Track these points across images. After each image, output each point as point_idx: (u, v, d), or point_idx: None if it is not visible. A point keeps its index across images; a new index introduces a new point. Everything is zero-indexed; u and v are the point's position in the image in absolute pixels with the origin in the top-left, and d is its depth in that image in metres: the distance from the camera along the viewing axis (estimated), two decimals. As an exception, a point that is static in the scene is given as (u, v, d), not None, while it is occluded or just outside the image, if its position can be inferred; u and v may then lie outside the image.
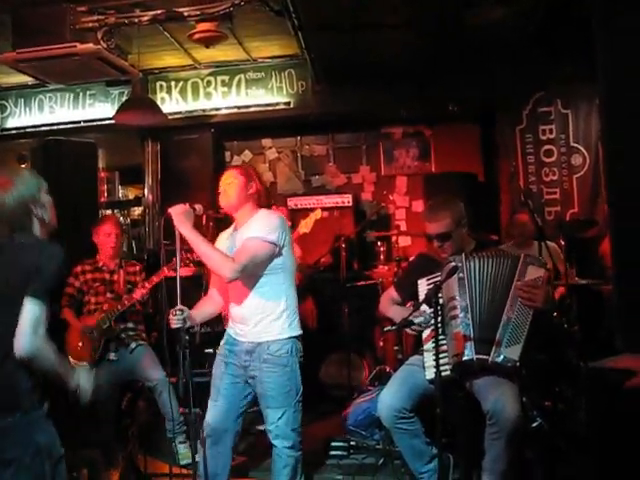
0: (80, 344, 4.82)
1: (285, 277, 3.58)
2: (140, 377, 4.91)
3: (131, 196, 9.93)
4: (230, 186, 3.61)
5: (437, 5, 5.13)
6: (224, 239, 3.71)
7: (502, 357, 3.34)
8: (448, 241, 3.75)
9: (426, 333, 3.60)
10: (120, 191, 9.55)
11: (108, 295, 4.92)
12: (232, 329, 3.70)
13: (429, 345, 3.56)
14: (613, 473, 2.03)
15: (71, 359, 4.77)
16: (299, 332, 3.62)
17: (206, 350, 5.60)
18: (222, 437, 3.65)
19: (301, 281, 5.35)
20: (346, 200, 7.10)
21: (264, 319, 3.53)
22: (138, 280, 5.01)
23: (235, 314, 3.66)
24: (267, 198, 3.75)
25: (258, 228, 3.46)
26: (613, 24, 2.64)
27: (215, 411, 3.65)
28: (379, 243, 6.77)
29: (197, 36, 5.42)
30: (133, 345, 4.88)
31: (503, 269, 3.53)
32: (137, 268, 5.13)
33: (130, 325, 4.93)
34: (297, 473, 3.60)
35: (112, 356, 4.80)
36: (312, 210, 5.52)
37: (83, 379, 2.74)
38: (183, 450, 4.73)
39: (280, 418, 3.50)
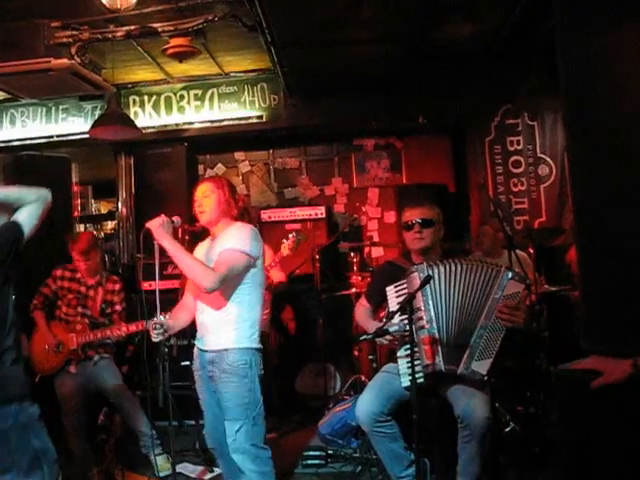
0: (46, 350, 4.78)
1: (252, 289, 3.58)
2: (102, 390, 4.85)
3: (104, 210, 9.91)
4: (207, 200, 3.62)
5: (407, 22, 5.23)
6: (201, 251, 3.71)
7: (470, 370, 3.42)
8: (429, 228, 3.79)
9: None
10: (93, 205, 9.52)
11: (79, 309, 4.88)
12: (199, 340, 3.71)
13: (401, 352, 3.61)
14: (584, 472, 2.11)
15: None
16: (259, 345, 3.61)
17: (183, 363, 5.61)
18: (222, 446, 3.65)
19: (267, 301, 5.39)
20: (319, 212, 7.14)
21: (225, 327, 3.53)
22: (115, 300, 4.98)
23: (200, 323, 3.68)
24: (244, 210, 3.74)
25: (235, 240, 3.48)
26: (575, 40, 2.74)
27: (208, 424, 3.72)
28: (352, 254, 6.81)
29: (170, 51, 5.48)
30: (96, 358, 4.85)
31: (479, 279, 3.55)
32: (116, 287, 5.04)
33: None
34: None
35: (72, 369, 4.76)
36: (292, 223, 5.58)
37: None
38: (161, 462, 4.71)
39: (238, 431, 3.47)
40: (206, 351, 3.61)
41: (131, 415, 4.78)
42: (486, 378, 3.40)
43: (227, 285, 3.49)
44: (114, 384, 4.79)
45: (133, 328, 4.65)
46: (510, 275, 3.55)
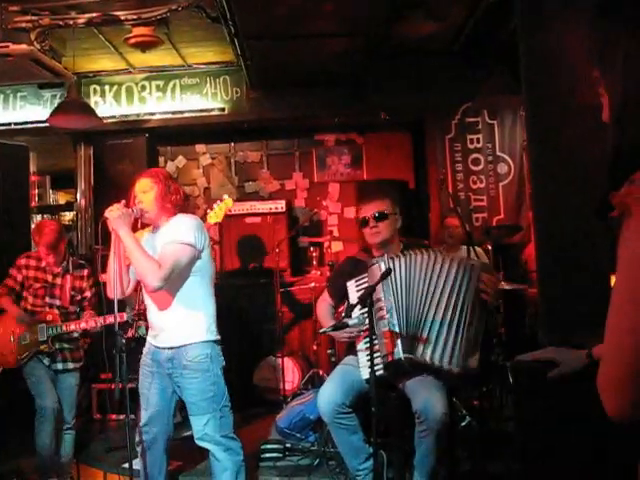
0: (11, 341, 4.56)
1: (202, 281, 3.58)
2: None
3: (62, 201, 9.76)
4: (146, 195, 3.57)
5: (369, 17, 5.26)
6: (143, 242, 3.59)
7: (460, 368, 3.41)
8: (384, 221, 3.81)
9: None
10: (51, 196, 9.38)
11: (47, 300, 4.66)
12: (152, 337, 3.70)
13: (362, 345, 3.64)
14: (539, 461, 2.16)
15: None
16: (217, 337, 3.62)
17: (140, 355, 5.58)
18: (155, 441, 3.67)
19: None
20: (279, 206, 7.13)
21: (180, 323, 3.52)
22: (85, 286, 4.78)
23: (153, 321, 3.66)
24: (184, 202, 3.70)
25: (177, 232, 3.46)
26: (536, 39, 2.80)
27: (146, 418, 3.67)
28: (312, 248, 6.86)
29: (133, 40, 5.42)
30: (70, 366, 4.70)
31: (443, 269, 3.56)
32: (84, 273, 4.81)
33: (66, 346, 4.69)
34: (239, 479, 3.59)
35: (45, 361, 4.59)
36: (248, 219, 5.53)
37: None
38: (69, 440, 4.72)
39: (206, 424, 3.50)
40: (162, 348, 3.59)
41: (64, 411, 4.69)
42: (478, 371, 3.42)
43: (175, 280, 3.46)
44: (67, 409, 4.71)
45: (108, 319, 4.42)
46: (483, 268, 3.61)
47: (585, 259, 2.37)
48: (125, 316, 4.40)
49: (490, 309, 3.60)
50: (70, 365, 4.71)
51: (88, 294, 4.80)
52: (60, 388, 4.67)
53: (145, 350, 3.75)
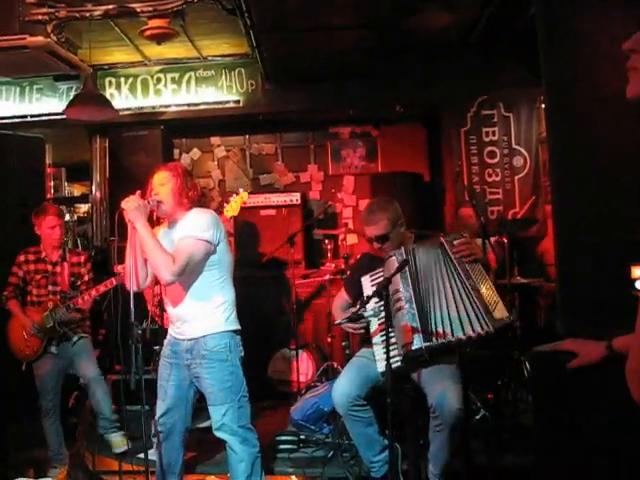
0: (25, 337, 4.76)
1: (220, 272, 3.58)
2: (76, 372, 4.91)
3: (77, 193, 9.80)
4: (163, 188, 3.57)
5: (383, 8, 5.25)
6: (160, 236, 3.60)
7: (497, 323, 3.31)
8: (387, 242, 3.82)
9: (374, 327, 3.63)
10: (67, 188, 9.41)
11: (50, 288, 4.85)
12: (172, 329, 3.71)
13: (377, 338, 3.62)
14: (556, 453, 2.15)
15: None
16: (237, 326, 3.64)
17: (155, 347, 5.60)
18: (172, 432, 3.69)
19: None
20: (294, 198, 7.11)
21: (200, 315, 3.54)
22: (83, 271, 4.95)
23: (172, 314, 3.67)
24: (201, 198, 3.70)
25: (193, 227, 3.47)
26: (556, 27, 2.77)
27: (164, 408, 3.68)
28: (326, 241, 6.86)
29: (148, 32, 5.42)
30: (75, 338, 4.85)
31: (436, 255, 3.58)
32: (82, 258, 5.02)
33: (72, 326, 4.86)
34: (255, 470, 3.58)
35: (53, 350, 4.77)
36: (262, 211, 5.55)
37: None
38: (115, 439, 4.77)
39: (224, 415, 3.51)
40: (182, 340, 3.61)
41: (100, 401, 4.79)
42: (512, 317, 3.39)
43: (193, 274, 3.49)
44: (90, 369, 4.81)
45: (101, 288, 4.63)
46: (450, 238, 3.64)
47: (604, 250, 2.35)
48: (114, 281, 4.50)
49: (485, 264, 3.57)
50: (75, 337, 4.88)
51: (86, 278, 4.96)
52: (78, 353, 4.84)
53: (165, 341, 3.77)
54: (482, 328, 3.31)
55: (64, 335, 4.79)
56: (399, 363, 3.41)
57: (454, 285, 3.47)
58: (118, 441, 4.78)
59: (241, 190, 4.97)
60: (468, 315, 3.37)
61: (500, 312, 3.36)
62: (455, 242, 3.60)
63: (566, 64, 2.71)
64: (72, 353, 4.84)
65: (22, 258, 4.90)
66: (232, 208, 5.06)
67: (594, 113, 2.55)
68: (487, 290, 3.44)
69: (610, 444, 1.96)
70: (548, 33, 2.76)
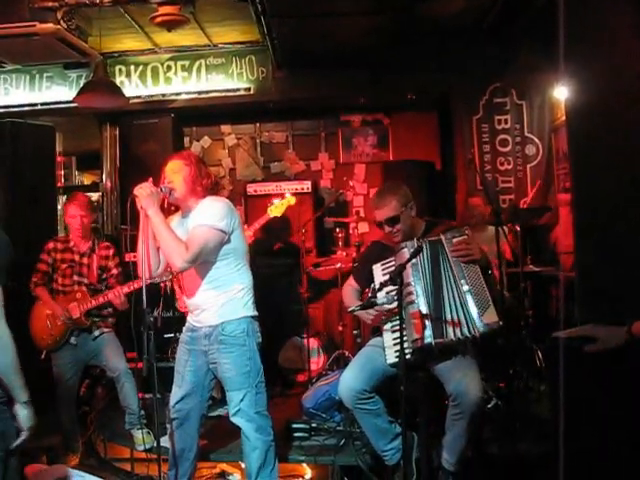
0: (48, 325, 4.72)
1: (236, 260, 3.58)
2: (103, 365, 4.87)
3: (87, 182, 9.81)
4: (176, 176, 3.56)
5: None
6: (174, 226, 3.59)
7: (484, 328, 3.36)
8: (397, 224, 3.78)
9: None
10: (77, 177, 9.42)
11: (75, 278, 4.79)
12: (190, 317, 3.73)
13: (388, 326, 3.63)
14: (574, 442, 2.13)
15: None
16: (254, 312, 3.65)
17: (166, 335, 5.61)
18: (187, 419, 3.69)
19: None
20: (305, 187, 7.10)
21: (218, 303, 3.55)
22: (110, 265, 4.88)
23: (191, 304, 3.68)
24: (213, 186, 3.69)
25: (206, 215, 3.46)
26: (575, 11, 2.72)
27: (180, 395, 3.69)
28: (337, 229, 6.85)
29: (159, 19, 5.40)
30: (97, 333, 4.79)
31: (436, 252, 3.60)
32: (110, 252, 4.93)
33: (96, 319, 4.82)
34: (268, 458, 3.59)
35: (72, 340, 4.74)
36: (278, 196, 5.64)
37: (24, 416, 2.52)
38: (139, 435, 4.70)
39: (242, 400, 3.52)
40: (201, 327, 3.63)
41: (128, 394, 4.72)
42: (501, 322, 3.38)
43: (209, 262, 3.50)
44: (119, 363, 4.74)
45: (127, 289, 4.59)
46: (449, 235, 3.62)
47: (624, 235, 2.32)
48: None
49: (482, 265, 3.56)
50: (105, 330, 4.84)
51: (115, 272, 4.89)
52: (104, 347, 4.77)
53: (184, 328, 3.78)
54: (475, 330, 3.37)
55: (88, 328, 4.76)
56: (409, 356, 3.40)
57: (445, 285, 3.51)
58: (145, 437, 4.65)
59: (287, 195, 5.33)
60: (452, 318, 3.43)
61: (489, 317, 3.38)
62: (454, 240, 3.60)
63: (585, 50, 2.67)
64: (94, 347, 4.79)
65: (51, 245, 4.86)
66: (277, 208, 5.20)
67: (614, 100, 2.51)
68: (479, 294, 3.45)
69: (629, 431, 1.95)
70: (569, 18, 2.71)
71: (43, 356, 4.77)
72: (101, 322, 4.84)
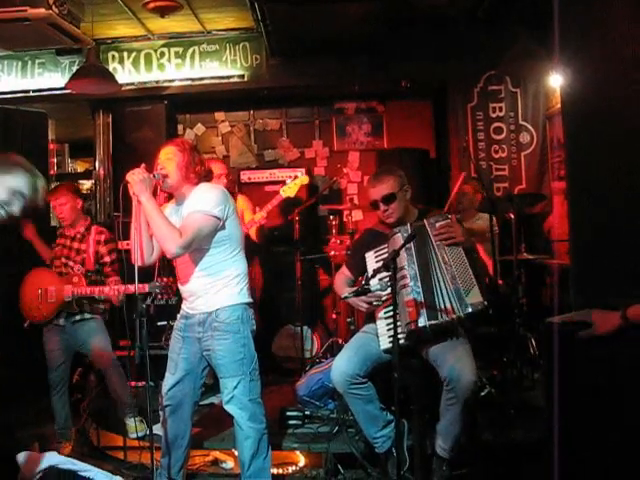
0: (38, 300, 4.67)
1: (231, 247, 3.57)
2: (89, 356, 4.84)
3: (80, 169, 9.76)
4: (170, 162, 3.54)
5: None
6: (167, 213, 3.58)
7: (469, 309, 3.38)
8: (393, 202, 3.79)
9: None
10: (70, 164, 9.37)
11: (63, 260, 4.76)
12: (185, 304, 3.71)
13: (382, 314, 3.64)
14: (569, 429, 2.14)
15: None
16: (249, 299, 3.63)
17: (159, 323, 5.60)
18: (180, 406, 3.68)
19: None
20: (299, 174, 7.07)
21: (213, 290, 3.54)
22: (102, 251, 4.78)
23: (185, 291, 3.66)
24: (206, 173, 3.67)
25: (201, 202, 3.44)
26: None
27: (172, 381, 3.67)
28: (331, 217, 6.83)
29: (152, 5, 5.38)
30: (87, 316, 4.74)
31: (422, 236, 3.62)
32: (102, 238, 4.82)
33: (85, 302, 4.75)
34: (261, 446, 3.58)
35: (61, 322, 4.69)
36: (267, 187, 5.63)
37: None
38: (132, 423, 4.68)
39: (236, 387, 3.51)
40: (195, 314, 3.62)
41: (117, 386, 4.70)
42: (486, 302, 3.40)
43: (203, 249, 3.49)
44: (102, 352, 4.70)
45: (130, 290, 4.41)
46: (432, 220, 3.68)
47: (618, 220, 2.31)
48: (147, 287, 4.36)
49: (466, 247, 3.60)
50: (87, 315, 4.77)
51: (107, 259, 4.80)
52: (91, 339, 4.71)
53: (179, 315, 3.77)
54: (461, 311, 3.40)
55: (77, 313, 4.72)
56: (403, 341, 3.42)
57: (431, 268, 3.56)
58: (132, 425, 4.67)
59: (299, 174, 5.10)
60: (442, 299, 3.47)
61: (473, 298, 3.41)
62: (437, 224, 3.64)
63: (581, 39, 2.66)
64: (82, 334, 4.73)
65: (58, 231, 5.00)
66: (290, 189, 5.17)
67: (609, 88, 2.51)
68: (462, 275, 3.48)
69: (623, 418, 1.95)
70: (563, 5, 2.70)
71: (27, 325, 4.74)
72: (89, 305, 4.76)
